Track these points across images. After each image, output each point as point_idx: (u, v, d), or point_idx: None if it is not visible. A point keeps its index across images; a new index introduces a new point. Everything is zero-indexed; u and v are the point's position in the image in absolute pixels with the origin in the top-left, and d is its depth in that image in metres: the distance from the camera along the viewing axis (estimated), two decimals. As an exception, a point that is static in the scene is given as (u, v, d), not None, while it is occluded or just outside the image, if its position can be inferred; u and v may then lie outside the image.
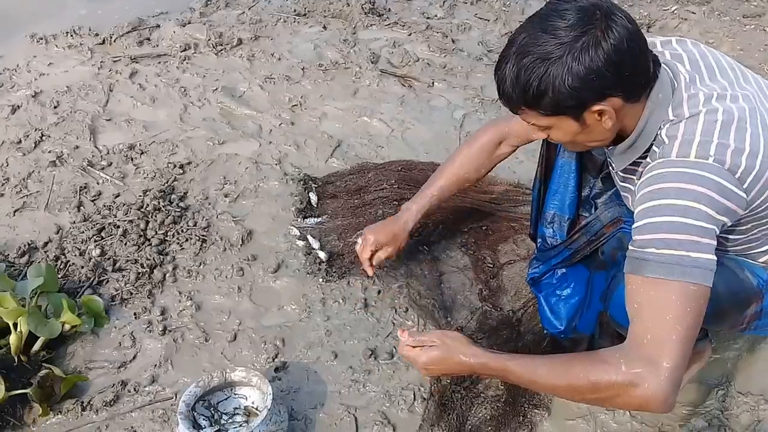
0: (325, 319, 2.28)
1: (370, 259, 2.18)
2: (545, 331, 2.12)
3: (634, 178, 1.62)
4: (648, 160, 1.52)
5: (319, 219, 2.70)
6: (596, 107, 1.43)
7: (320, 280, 2.41)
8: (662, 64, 1.51)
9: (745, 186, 1.40)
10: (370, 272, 2.21)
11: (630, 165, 1.61)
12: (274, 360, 2.15)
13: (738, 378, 2.09)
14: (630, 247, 1.43)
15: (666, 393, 1.33)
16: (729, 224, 1.44)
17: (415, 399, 2.03)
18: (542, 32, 1.40)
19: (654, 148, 1.50)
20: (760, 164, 1.40)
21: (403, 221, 2.18)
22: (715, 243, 1.38)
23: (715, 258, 1.37)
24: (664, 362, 1.32)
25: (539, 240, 2.13)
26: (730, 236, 1.58)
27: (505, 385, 1.97)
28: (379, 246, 2.15)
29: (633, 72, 1.42)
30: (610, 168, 1.75)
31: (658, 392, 1.33)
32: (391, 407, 2.02)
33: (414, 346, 1.70)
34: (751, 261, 1.66)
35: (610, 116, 1.45)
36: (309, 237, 2.56)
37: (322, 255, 2.47)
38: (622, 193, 1.76)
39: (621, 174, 1.68)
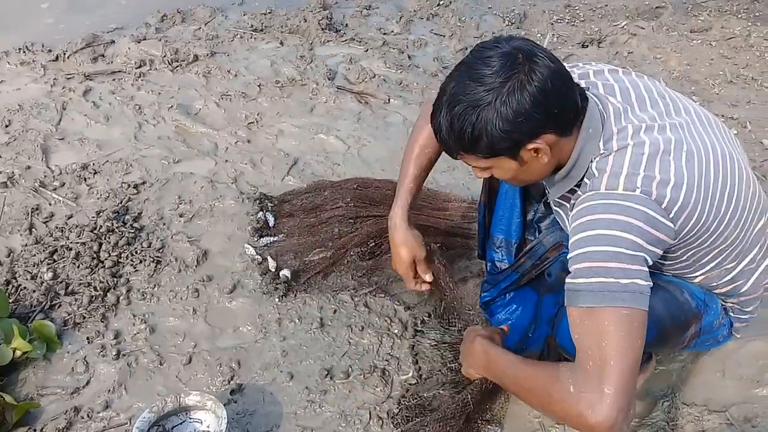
0: (281, 340, 2.29)
1: (418, 279, 2.12)
2: None
3: (567, 206, 1.68)
4: (579, 192, 1.57)
5: (275, 238, 2.71)
6: (531, 146, 1.48)
7: (277, 299, 2.42)
8: (593, 96, 1.57)
9: (671, 216, 1.46)
10: (428, 284, 2.14)
11: (565, 193, 1.66)
12: (229, 382, 2.15)
13: (682, 389, 2.15)
14: (567, 279, 1.48)
15: (610, 419, 1.36)
16: (660, 253, 1.50)
17: (370, 418, 2.05)
18: (470, 80, 1.46)
19: (585, 180, 1.56)
20: (684, 195, 1.46)
21: (400, 228, 2.06)
22: (646, 269, 1.44)
23: (648, 283, 1.42)
24: (606, 388, 1.36)
25: (489, 264, 2.18)
26: (665, 262, 1.65)
27: (456, 402, 2.00)
28: (410, 264, 2.07)
29: (561, 108, 1.47)
30: (547, 194, 1.81)
31: (603, 418, 1.36)
32: (347, 427, 2.03)
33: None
34: (689, 282, 1.73)
35: (545, 152, 1.50)
36: (268, 257, 2.56)
37: (286, 272, 2.48)
38: (558, 219, 1.81)
39: (557, 200, 1.74)
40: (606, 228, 1.43)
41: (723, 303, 1.81)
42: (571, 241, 1.49)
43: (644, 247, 1.43)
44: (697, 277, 1.71)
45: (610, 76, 1.67)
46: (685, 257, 1.62)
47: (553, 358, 1.86)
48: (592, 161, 1.54)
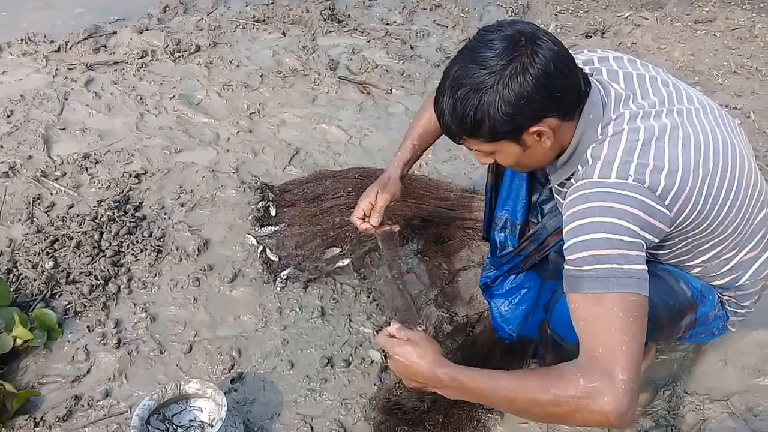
0: (281, 329, 2.29)
1: (365, 218, 2.09)
2: (496, 335, 2.16)
3: (564, 193, 1.67)
4: (572, 180, 1.56)
5: (277, 227, 2.70)
6: (533, 129, 1.47)
7: (277, 288, 2.42)
8: (596, 82, 1.56)
9: (666, 202, 1.44)
10: (369, 227, 2.09)
11: (565, 179, 1.65)
12: (230, 371, 2.15)
13: (684, 378, 2.14)
14: (565, 267, 1.46)
15: (625, 405, 1.33)
16: (657, 241, 1.48)
17: (372, 406, 2.05)
18: (473, 64, 1.45)
19: (579, 167, 1.55)
20: (680, 182, 1.45)
21: (391, 172, 2.12)
22: (643, 255, 1.42)
23: (646, 268, 1.41)
24: (619, 374, 1.33)
25: (492, 246, 2.17)
26: (661, 251, 1.63)
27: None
28: (373, 198, 2.07)
29: (564, 92, 1.46)
30: (549, 181, 1.80)
31: (617, 405, 1.33)
32: (347, 415, 2.03)
33: (395, 337, 1.59)
34: (685, 272, 1.72)
35: (548, 136, 1.49)
36: (267, 250, 2.56)
37: (287, 273, 2.46)
38: (558, 206, 1.80)
39: (556, 187, 1.73)
40: (602, 216, 1.41)
41: (720, 296, 1.79)
42: (566, 230, 1.47)
43: (639, 233, 1.42)
44: (695, 266, 1.69)
45: (615, 63, 1.65)
46: (682, 245, 1.60)
47: (544, 345, 1.85)
48: (588, 148, 1.53)
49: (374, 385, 2.11)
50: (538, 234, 1.94)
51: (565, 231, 1.47)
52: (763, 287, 1.79)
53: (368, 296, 2.42)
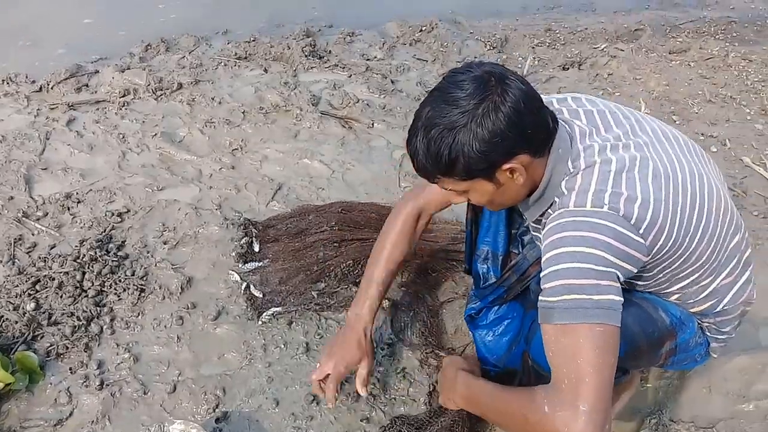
0: (266, 366, 2.28)
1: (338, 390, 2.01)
2: (482, 366, 2.15)
3: (542, 228, 1.69)
4: (549, 210, 1.59)
5: (260, 263, 2.70)
6: (506, 166, 1.50)
7: (259, 323, 2.41)
8: (561, 121, 1.59)
9: (641, 231, 1.47)
10: (332, 402, 1.98)
11: (539, 216, 1.68)
12: (215, 410, 2.13)
13: (669, 406, 2.15)
14: (539, 297, 1.49)
15: None
16: (635, 270, 1.51)
17: (357, 443, 2.04)
18: (445, 104, 1.49)
19: (555, 198, 1.58)
20: (652, 213, 1.48)
21: (362, 329, 2.02)
22: (617, 285, 1.44)
23: (620, 298, 1.43)
24: (581, 405, 1.37)
25: (475, 278, 2.18)
26: (640, 281, 1.66)
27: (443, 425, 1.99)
28: (348, 369, 1.99)
29: (534, 128, 1.50)
30: (525, 219, 1.82)
31: None
32: (333, 452, 2.02)
33: None
34: (664, 299, 1.74)
35: (521, 173, 1.52)
36: (251, 286, 2.56)
37: (271, 312, 2.46)
38: (536, 242, 1.83)
39: (533, 225, 1.75)
40: (575, 245, 1.44)
41: (699, 322, 1.81)
42: (543, 260, 1.50)
43: (614, 263, 1.44)
44: (673, 293, 1.72)
45: (573, 103, 1.71)
46: (661, 275, 1.63)
47: (527, 375, 1.86)
48: (561, 181, 1.56)
49: (361, 421, 2.10)
50: (519, 265, 1.96)
51: (542, 261, 1.50)
52: (742, 312, 1.81)
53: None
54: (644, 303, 1.70)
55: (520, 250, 2.04)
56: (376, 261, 2.10)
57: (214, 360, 2.30)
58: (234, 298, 2.54)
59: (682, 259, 1.58)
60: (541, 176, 1.57)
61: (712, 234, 1.61)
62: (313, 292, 2.55)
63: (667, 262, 1.58)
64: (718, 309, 1.75)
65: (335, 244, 2.74)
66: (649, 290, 1.71)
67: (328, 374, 1.96)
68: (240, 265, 2.68)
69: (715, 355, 1.91)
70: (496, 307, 2.12)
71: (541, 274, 1.49)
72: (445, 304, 2.55)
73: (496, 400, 1.65)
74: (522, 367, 1.87)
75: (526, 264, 1.93)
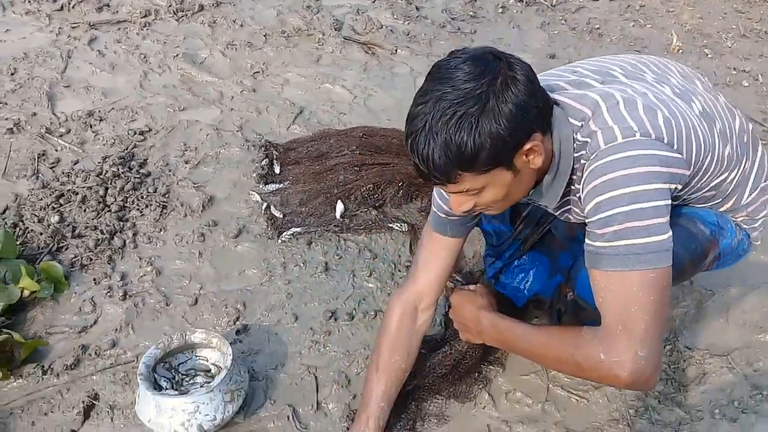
0: (285, 283, 2.31)
1: None
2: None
3: (571, 206, 1.63)
4: (577, 167, 1.50)
5: (281, 184, 2.71)
6: (527, 146, 1.39)
7: (279, 242, 2.43)
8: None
9: (675, 147, 1.42)
10: None
11: (562, 197, 1.59)
12: (235, 323, 2.17)
13: (685, 334, 2.16)
14: (586, 241, 1.44)
15: (645, 377, 1.37)
16: (680, 188, 1.47)
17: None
18: (450, 90, 1.34)
19: (577, 154, 1.49)
20: (675, 125, 1.43)
21: None
22: (667, 219, 1.39)
23: (670, 234, 1.38)
24: (639, 351, 1.35)
25: (486, 236, 2.12)
26: (678, 195, 1.60)
27: (460, 343, 2.01)
28: None
29: (543, 101, 1.42)
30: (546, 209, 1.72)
31: (638, 377, 1.36)
32: (351, 366, 2.06)
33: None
34: (698, 207, 1.70)
35: (539, 152, 1.42)
36: (271, 207, 2.57)
37: (291, 232, 2.48)
38: (570, 223, 1.77)
39: (557, 208, 1.67)
40: (620, 187, 1.37)
41: (734, 219, 1.77)
42: (588, 208, 1.42)
43: (663, 191, 1.39)
44: (707, 198, 1.67)
45: (552, 71, 1.66)
46: (699, 183, 1.58)
47: (562, 306, 1.85)
48: (574, 140, 1.48)
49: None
50: (531, 215, 1.93)
51: (587, 209, 1.43)
52: (762, 191, 1.77)
53: (371, 252, 2.43)
54: (682, 220, 1.66)
55: (527, 199, 1.99)
56: (374, 373, 1.81)
57: (234, 276, 2.34)
58: (254, 217, 2.56)
59: (713, 160, 1.54)
60: (550, 155, 1.49)
61: (723, 126, 1.59)
62: (333, 214, 2.56)
63: (703, 168, 1.53)
64: (745, 200, 1.72)
65: (356, 168, 2.74)
66: (685, 201, 1.67)
67: None
68: (261, 186, 2.69)
69: (757, 243, 1.86)
70: (516, 262, 2.08)
71: (588, 220, 1.43)
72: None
73: (534, 344, 1.57)
74: (557, 297, 1.87)
75: (539, 213, 1.89)
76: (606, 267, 1.39)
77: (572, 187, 1.56)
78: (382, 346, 1.83)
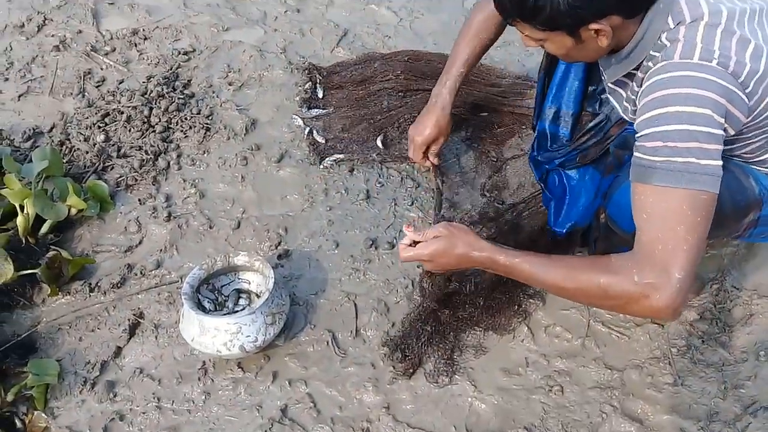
0: (327, 209, 2.31)
1: (425, 156, 2.18)
2: (549, 228, 2.11)
3: (622, 92, 1.59)
4: (649, 64, 1.45)
5: (324, 110, 2.67)
6: (594, 26, 1.37)
7: (321, 168, 2.42)
8: None
9: (748, 90, 1.35)
10: (430, 165, 2.22)
11: (622, 77, 1.56)
12: (276, 248, 2.19)
13: (733, 274, 2.11)
14: (635, 154, 1.39)
15: (677, 303, 1.33)
16: (733, 133, 1.40)
17: (414, 287, 2.08)
18: None
19: (653, 53, 1.44)
20: (764, 66, 1.35)
21: (441, 108, 2.09)
22: (721, 148, 1.34)
23: (721, 164, 1.33)
24: (676, 273, 1.31)
25: (539, 137, 2.09)
26: (734, 145, 1.54)
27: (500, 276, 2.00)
28: (428, 142, 2.13)
29: None
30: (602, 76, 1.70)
31: (670, 302, 1.32)
32: (390, 295, 2.07)
33: (417, 242, 1.67)
34: (756, 168, 1.63)
35: (607, 35, 1.39)
36: (314, 132, 2.55)
37: (333, 159, 2.46)
38: (613, 103, 1.72)
39: (611, 85, 1.64)
40: (682, 104, 1.32)
41: None
42: (642, 118, 1.38)
43: (720, 123, 1.33)
44: (763, 161, 1.61)
45: None
46: (754, 140, 1.51)
47: (598, 232, 1.81)
48: (660, 36, 1.42)
49: (417, 267, 2.12)
50: (600, 125, 1.86)
51: (641, 119, 1.38)
52: None
53: (413, 181, 2.41)
54: (735, 169, 1.59)
55: (597, 109, 1.93)
56: (462, 39, 2.04)
57: (276, 200, 2.34)
58: (297, 142, 2.54)
59: None
60: (629, 38, 1.44)
61: None
62: (375, 142, 2.52)
63: (762, 124, 1.46)
64: None
65: (400, 94, 2.68)
66: (744, 157, 1.61)
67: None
68: (303, 110, 2.66)
69: None
70: (572, 172, 2.03)
71: (640, 133, 1.38)
72: (510, 160, 2.50)
73: (553, 274, 1.50)
74: (596, 224, 1.83)
75: (609, 125, 1.82)
76: (658, 182, 1.34)
77: (635, 73, 1.53)
78: (475, 19, 2.01)
